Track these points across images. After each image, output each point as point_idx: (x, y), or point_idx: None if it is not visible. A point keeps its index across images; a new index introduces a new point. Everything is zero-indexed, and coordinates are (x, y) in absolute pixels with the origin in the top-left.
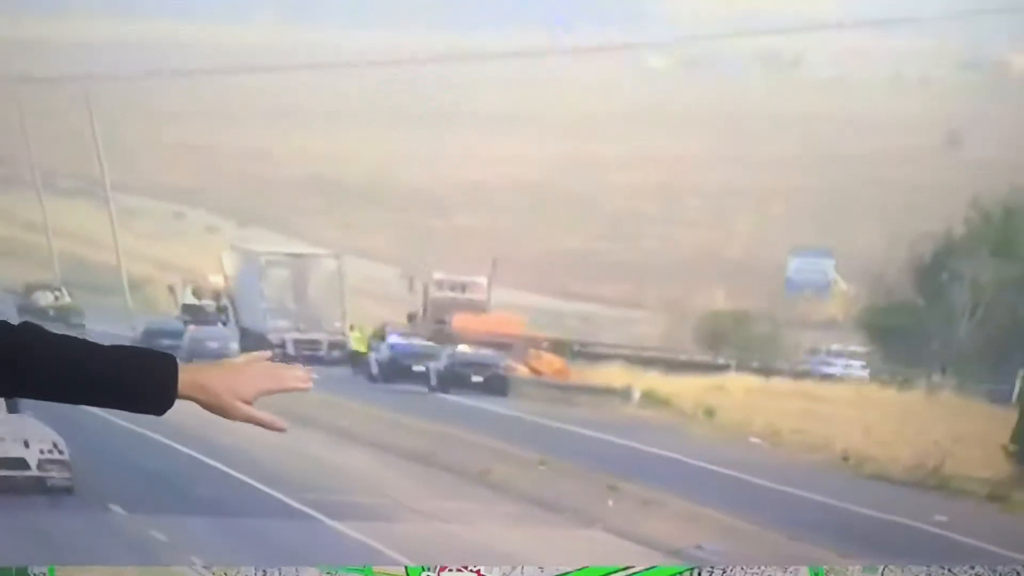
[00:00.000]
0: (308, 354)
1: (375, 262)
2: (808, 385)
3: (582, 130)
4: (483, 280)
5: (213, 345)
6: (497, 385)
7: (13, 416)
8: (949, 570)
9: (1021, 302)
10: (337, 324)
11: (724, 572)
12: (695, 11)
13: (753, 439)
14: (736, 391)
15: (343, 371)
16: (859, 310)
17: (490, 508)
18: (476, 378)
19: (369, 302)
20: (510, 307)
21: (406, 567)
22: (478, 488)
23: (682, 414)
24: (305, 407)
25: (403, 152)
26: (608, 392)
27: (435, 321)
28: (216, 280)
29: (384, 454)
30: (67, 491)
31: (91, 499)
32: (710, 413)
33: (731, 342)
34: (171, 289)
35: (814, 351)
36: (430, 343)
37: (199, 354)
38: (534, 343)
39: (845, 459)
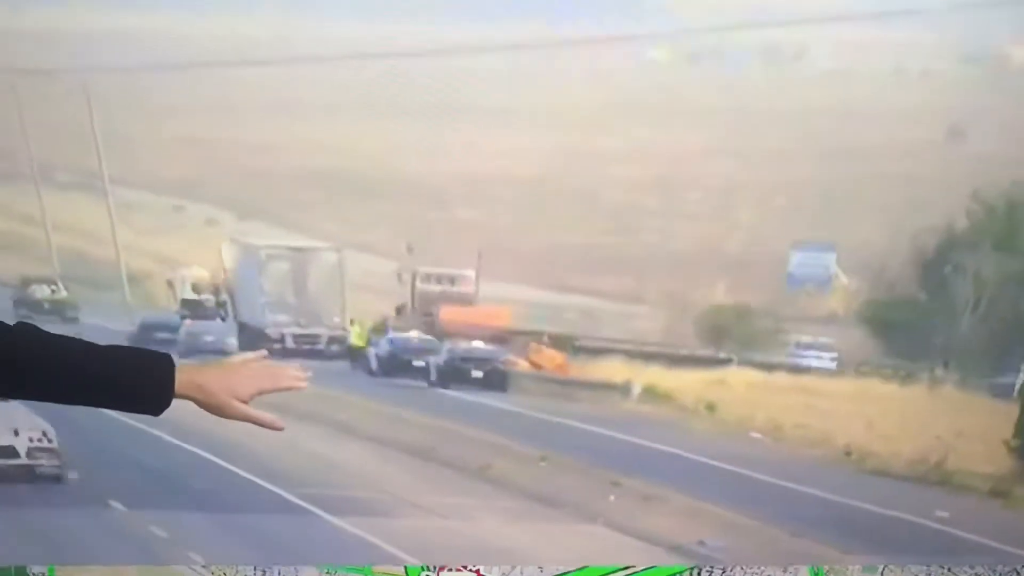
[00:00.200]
0: (307, 348)
1: (375, 256)
2: (810, 380)
3: (582, 123)
4: (471, 273)
5: (209, 339)
6: (497, 380)
7: (2, 404)
8: (949, 570)
9: (1023, 296)
10: (337, 319)
11: (724, 572)
12: (696, 3)
13: (754, 434)
14: (737, 386)
15: (342, 365)
16: (861, 304)
17: (490, 504)
18: (476, 373)
19: (369, 296)
20: (509, 301)
21: (405, 567)
22: (478, 484)
23: (683, 409)
24: (304, 402)
25: (403, 145)
26: (609, 387)
27: (423, 314)
28: (216, 274)
29: (383, 449)
30: (56, 479)
31: (91, 495)
32: (711, 408)
33: (732, 336)
34: (170, 283)
35: (784, 343)
36: (429, 338)
37: (196, 348)
38: (521, 336)
39: (847, 454)
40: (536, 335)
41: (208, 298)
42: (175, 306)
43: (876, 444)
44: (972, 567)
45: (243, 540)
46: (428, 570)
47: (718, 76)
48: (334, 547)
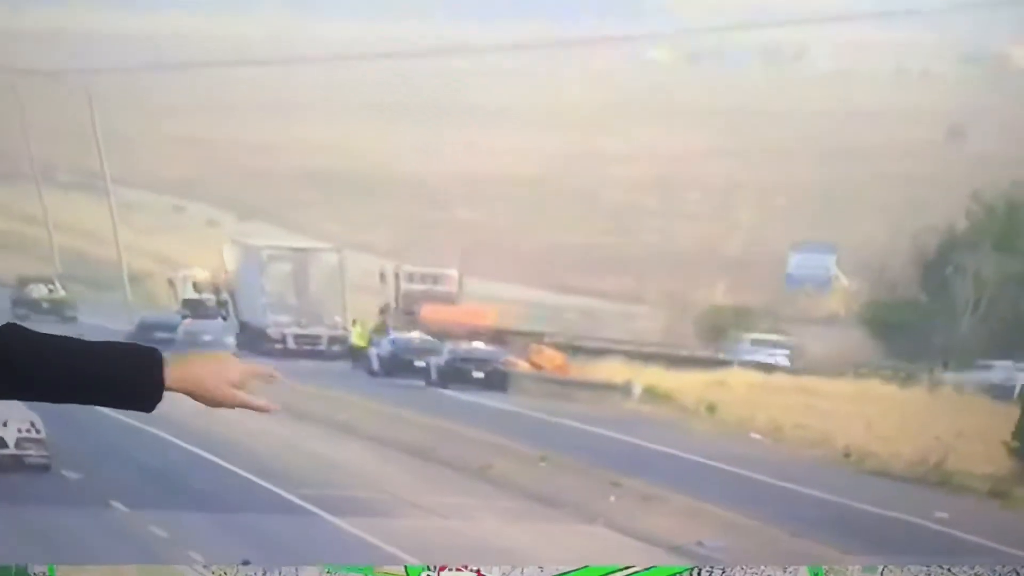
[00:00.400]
0: (308, 349)
1: (375, 256)
2: (810, 381)
3: (582, 123)
4: (454, 272)
5: (208, 338)
6: (498, 380)
7: None
8: (949, 570)
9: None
10: (338, 319)
11: (724, 572)
12: (696, 4)
13: (754, 435)
14: (737, 387)
15: (343, 365)
16: (861, 305)
17: (491, 504)
18: (477, 373)
19: (369, 297)
20: (508, 301)
21: (406, 567)
22: (479, 484)
23: (683, 410)
24: (305, 402)
25: (403, 146)
26: (609, 388)
27: (406, 312)
28: (217, 274)
29: (384, 449)
30: (44, 468)
31: (92, 495)
32: (712, 409)
33: (732, 337)
34: (171, 283)
35: (737, 339)
36: (430, 338)
37: (194, 347)
38: (520, 336)
39: (847, 455)
40: (534, 336)
41: (209, 298)
42: (176, 306)
43: (876, 445)
44: (972, 567)
45: (244, 540)
46: (429, 570)
47: (718, 77)
48: (335, 547)
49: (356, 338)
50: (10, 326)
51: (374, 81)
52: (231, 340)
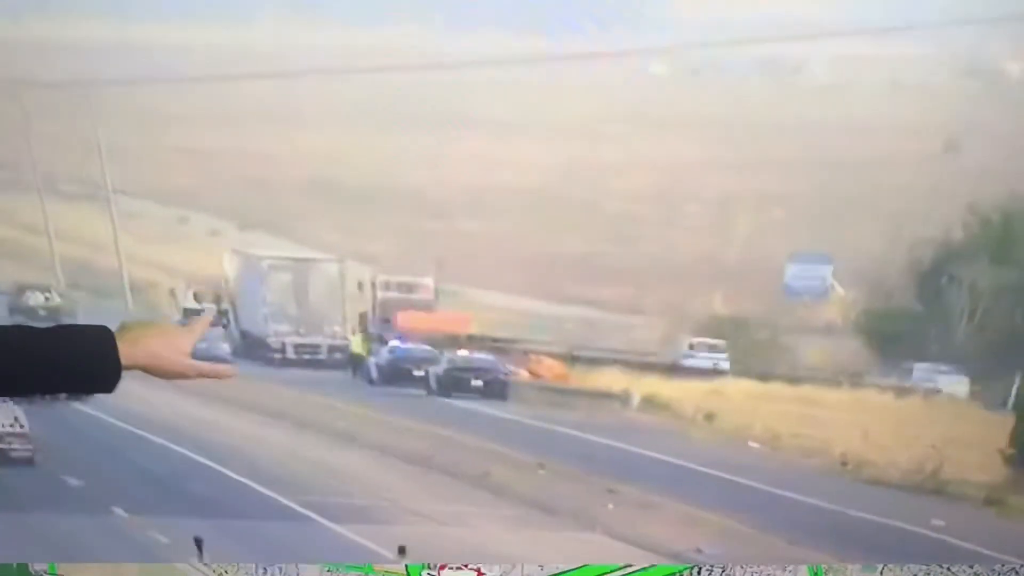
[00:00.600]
0: (308, 358)
1: (377, 267)
2: (807, 390)
3: (583, 135)
4: (429, 281)
5: (203, 345)
6: (497, 389)
7: None
8: (948, 569)
9: (1019, 307)
10: (337, 328)
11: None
12: (697, 19)
13: (752, 443)
14: (735, 395)
15: (343, 374)
16: (857, 315)
17: (490, 511)
18: (476, 382)
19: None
20: (508, 311)
21: (406, 565)
22: (478, 491)
23: (682, 418)
24: (305, 410)
25: (405, 157)
26: (608, 396)
27: (382, 320)
28: (218, 284)
29: (384, 457)
30: (28, 462)
31: (94, 502)
32: (710, 417)
33: (730, 347)
34: (172, 292)
35: (676, 344)
36: (429, 347)
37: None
38: (480, 341)
39: (844, 464)
40: (512, 342)
41: (210, 307)
42: (178, 315)
43: (872, 453)
44: (971, 566)
45: (244, 546)
46: (429, 569)
47: (718, 90)
48: (334, 553)
49: (356, 347)
50: None
51: (376, 93)
52: (225, 346)
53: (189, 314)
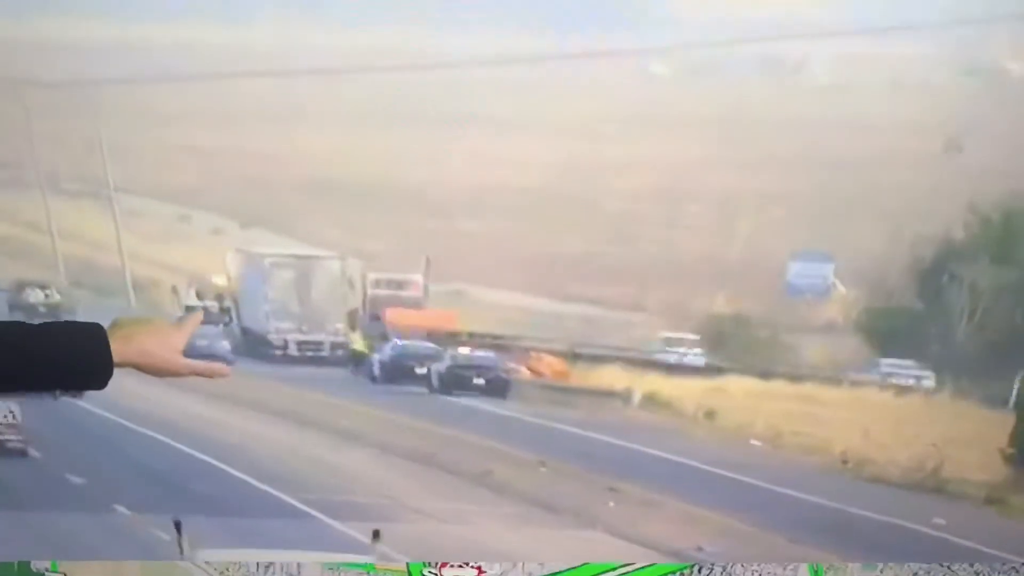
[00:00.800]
0: (311, 355)
1: (378, 265)
2: (808, 388)
3: (584, 134)
4: (419, 278)
5: (203, 343)
6: (499, 387)
7: None
8: (948, 567)
9: (1019, 306)
10: (340, 325)
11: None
12: (697, 18)
13: (754, 441)
14: (737, 393)
15: (345, 372)
16: (858, 313)
17: (491, 509)
18: (478, 380)
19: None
20: (510, 309)
21: (407, 563)
22: (479, 489)
23: (683, 416)
24: (307, 408)
25: (406, 155)
26: (609, 394)
27: (372, 317)
28: (220, 281)
29: (385, 455)
30: (21, 454)
31: (96, 499)
32: (711, 415)
33: (731, 345)
34: (175, 290)
35: (650, 340)
36: (431, 345)
37: (189, 352)
38: (467, 337)
39: (844, 462)
40: (499, 339)
41: (212, 305)
42: (180, 313)
43: (873, 452)
44: (972, 565)
45: (246, 543)
46: (430, 566)
47: (719, 89)
48: (335, 550)
49: (356, 344)
50: None
51: (377, 92)
52: (225, 344)
53: (191, 311)
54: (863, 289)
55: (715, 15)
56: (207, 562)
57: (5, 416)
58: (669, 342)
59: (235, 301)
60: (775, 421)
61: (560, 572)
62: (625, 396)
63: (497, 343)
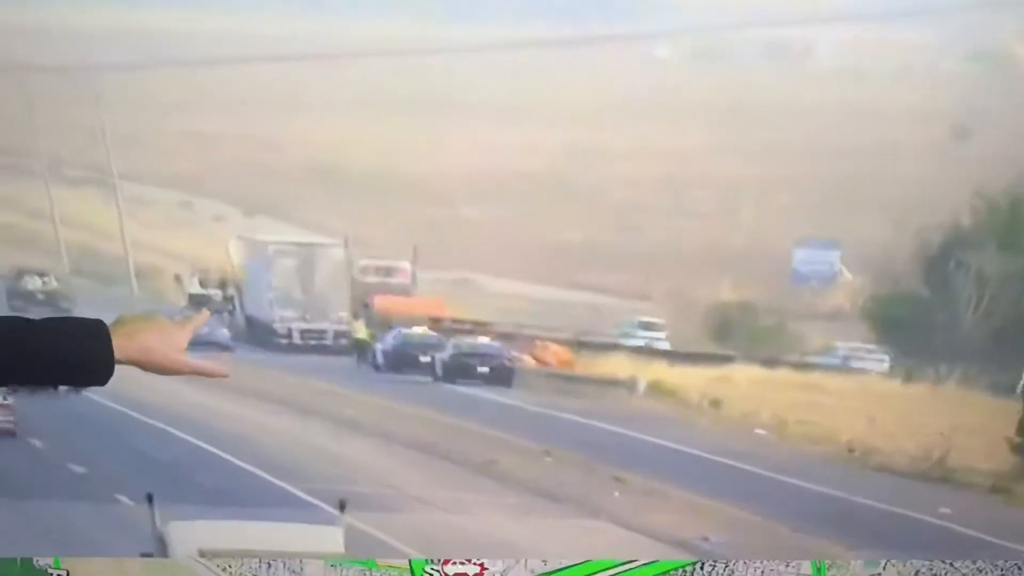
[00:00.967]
0: (314, 343)
1: (381, 251)
2: (814, 377)
3: (588, 121)
4: (407, 265)
5: (204, 331)
6: (503, 376)
7: None
8: (951, 564)
9: None
10: (343, 313)
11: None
12: (702, 2)
13: (759, 430)
14: (742, 382)
15: (348, 360)
16: (864, 300)
17: (495, 499)
18: (482, 369)
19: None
20: (513, 297)
21: (410, 560)
22: (483, 479)
23: (688, 405)
24: (310, 398)
25: (409, 142)
26: (614, 383)
27: (361, 304)
28: (223, 269)
29: (389, 445)
30: (10, 434)
31: (97, 490)
32: (716, 404)
33: (737, 333)
34: (178, 278)
35: (622, 322)
36: (435, 333)
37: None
38: (453, 324)
39: (850, 451)
40: (484, 325)
41: (216, 293)
42: (183, 301)
43: (879, 441)
44: (975, 561)
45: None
46: (432, 563)
47: (725, 75)
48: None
49: (359, 333)
50: None
51: (380, 78)
52: (225, 332)
53: (195, 300)
54: (869, 276)
55: (721, 0)
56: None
57: None
58: (637, 324)
59: (238, 289)
60: (781, 410)
61: (563, 568)
62: (630, 385)
63: (501, 331)
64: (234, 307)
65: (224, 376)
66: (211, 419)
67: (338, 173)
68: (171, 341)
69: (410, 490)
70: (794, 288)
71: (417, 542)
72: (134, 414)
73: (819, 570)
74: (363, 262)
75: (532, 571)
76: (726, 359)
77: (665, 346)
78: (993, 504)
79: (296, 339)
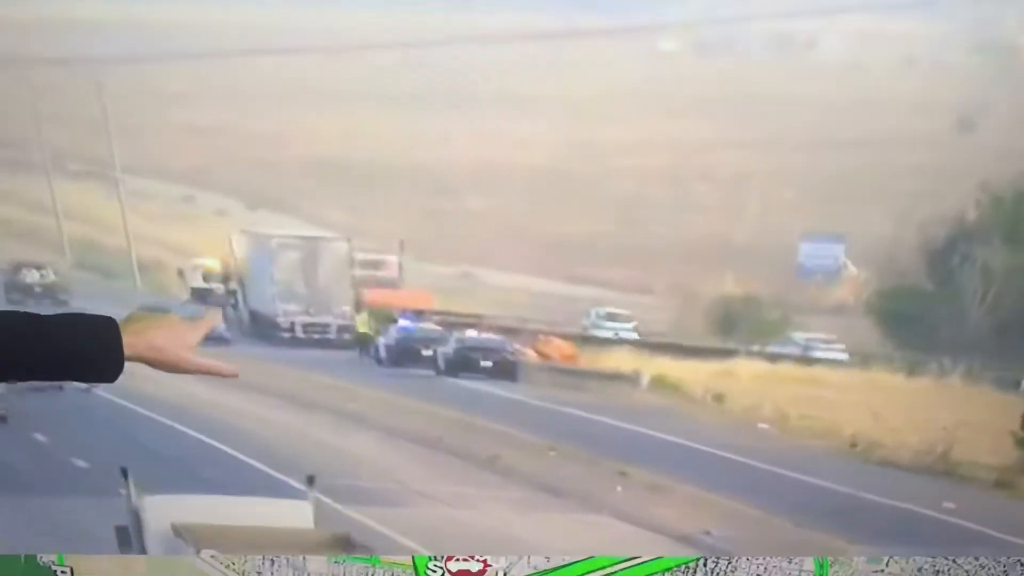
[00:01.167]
0: (317, 337)
1: (385, 245)
2: (817, 371)
3: (592, 113)
4: (394, 258)
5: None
6: (506, 370)
7: None
8: (954, 560)
9: None
10: (346, 308)
11: (729, 562)
12: None
13: (761, 425)
14: (745, 377)
15: (351, 355)
16: (869, 294)
17: (499, 493)
18: (485, 363)
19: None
20: (515, 291)
21: (413, 557)
22: (487, 473)
23: (691, 399)
24: (313, 392)
25: (412, 135)
26: (617, 377)
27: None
28: (226, 263)
29: (392, 439)
30: (2, 420)
31: (101, 484)
32: (719, 399)
33: (741, 328)
34: (180, 272)
35: (585, 314)
36: (438, 327)
37: None
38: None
39: (853, 445)
40: (471, 317)
41: (219, 287)
42: (186, 295)
43: (883, 435)
44: (977, 558)
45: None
46: (435, 560)
47: (728, 67)
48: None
49: (362, 326)
50: None
51: (383, 70)
52: (223, 325)
53: (197, 293)
54: (874, 270)
55: None
56: (212, 556)
57: None
58: (602, 315)
59: (241, 283)
60: (783, 404)
61: (566, 565)
62: (633, 379)
63: (504, 325)
64: (237, 301)
65: (234, 376)
66: (214, 413)
67: (342, 166)
68: (181, 339)
69: (413, 484)
70: (799, 282)
71: (420, 536)
72: (137, 408)
73: (822, 566)
74: (352, 255)
75: (535, 567)
76: (729, 353)
77: (633, 337)
78: (997, 499)
79: (299, 333)
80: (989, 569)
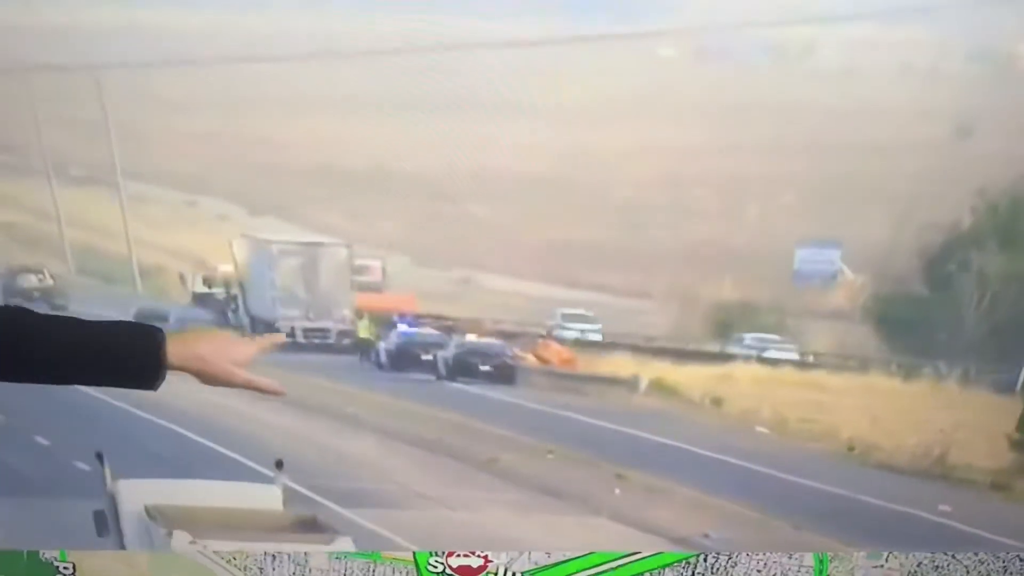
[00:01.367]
0: (317, 342)
1: (386, 250)
2: (815, 375)
3: (591, 119)
4: (378, 263)
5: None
6: (505, 374)
7: None
8: (953, 556)
9: None
10: (346, 312)
11: (729, 558)
12: (706, 1)
13: (760, 428)
14: (743, 380)
15: (351, 359)
16: (865, 299)
17: (497, 496)
18: (484, 367)
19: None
20: (514, 295)
21: (414, 552)
22: (485, 476)
23: (689, 403)
24: (315, 395)
25: (412, 141)
26: (616, 381)
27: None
28: (226, 268)
29: (392, 442)
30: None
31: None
32: (717, 402)
33: (739, 332)
34: (182, 277)
35: (551, 315)
36: (437, 332)
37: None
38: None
39: (851, 449)
40: (455, 320)
41: (219, 291)
42: (187, 300)
43: (880, 438)
44: (976, 553)
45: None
46: (436, 555)
47: (726, 73)
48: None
49: (362, 331)
50: (11, 308)
51: (384, 77)
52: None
53: (199, 299)
54: (870, 276)
55: None
56: (215, 552)
57: None
58: (566, 317)
59: (242, 288)
60: (782, 408)
61: (566, 560)
62: (632, 383)
63: (504, 330)
64: (237, 306)
65: (281, 394)
66: (216, 417)
67: (342, 172)
68: (228, 353)
69: (413, 486)
70: (796, 288)
71: (420, 538)
72: (139, 412)
73: (821, 561)
74: None
75: (536, 563)
76: (727, 357)
77: (598, 338)
78: (993, 501)
79: (299, 338)
80: (989, 564)
